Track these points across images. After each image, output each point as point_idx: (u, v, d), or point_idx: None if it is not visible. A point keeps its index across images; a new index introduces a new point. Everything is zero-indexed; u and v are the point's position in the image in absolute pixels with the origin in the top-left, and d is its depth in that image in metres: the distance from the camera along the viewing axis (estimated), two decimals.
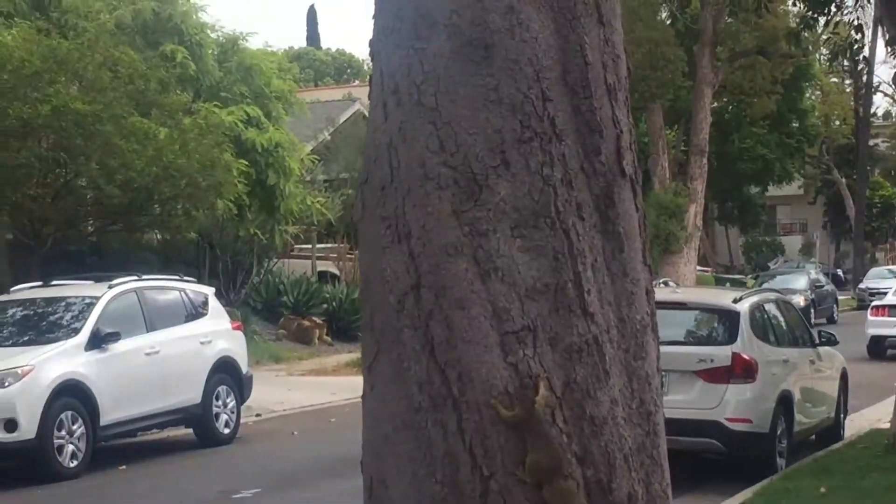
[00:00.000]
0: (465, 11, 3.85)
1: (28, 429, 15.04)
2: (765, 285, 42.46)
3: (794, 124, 63.35)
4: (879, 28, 32.28)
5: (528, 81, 3.84)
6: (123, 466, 16.55)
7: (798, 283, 44.79)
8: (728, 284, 47.60)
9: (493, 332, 3.76)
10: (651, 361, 4.08)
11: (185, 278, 20.26)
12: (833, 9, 17.37)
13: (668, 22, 51.97)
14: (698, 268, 51.41)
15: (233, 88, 31.54)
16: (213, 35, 32.17)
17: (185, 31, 29.96)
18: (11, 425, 15.00)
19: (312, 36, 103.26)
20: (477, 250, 3.78)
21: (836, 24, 18.45)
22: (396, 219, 3.89)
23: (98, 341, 16.34)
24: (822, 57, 54.77)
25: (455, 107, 3.83)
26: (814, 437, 16.77)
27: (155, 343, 17.39)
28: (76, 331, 16.40)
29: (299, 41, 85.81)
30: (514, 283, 3.78)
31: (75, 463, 15.67)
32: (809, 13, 16.65)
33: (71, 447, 15.61)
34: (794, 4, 22.37)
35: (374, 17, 4.11)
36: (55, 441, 15.36)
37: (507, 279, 3.77)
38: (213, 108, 28.05)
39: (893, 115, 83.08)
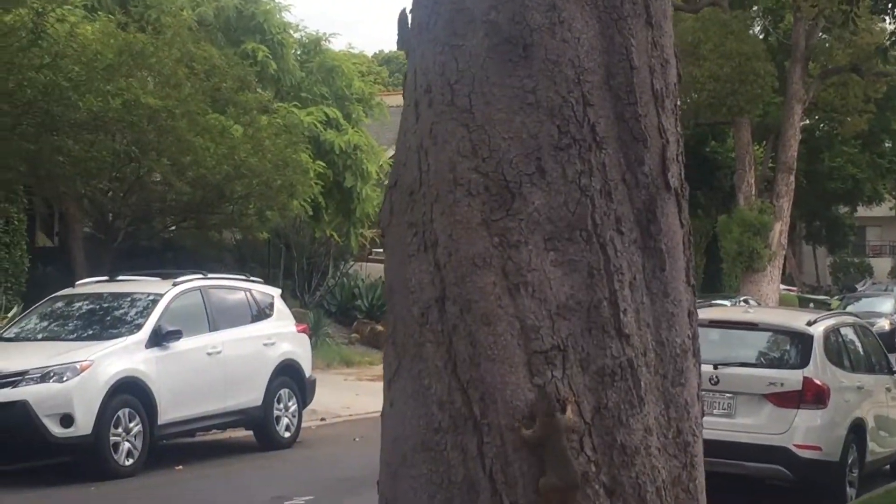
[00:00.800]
0: (504, 7, 3.69)
1: (84, 425, 14.94)
2: (849, 307, 41.99)
3: (886, 144, 62.64)
4: None
5: (569, 84, 3.67)
6: (180, 467, 16.45)
7: (884, 307, 44.27)
8: (812, 305, 47.14)
9: (520, 351, 3.60)
10: (691, 388, 3.89)
11: (252, 278, 20.14)
12: None
13: (761, 36, 51.61)
14: (783, 287, 50.90)
15: (313, 89, 31.66)
16: (295, 35, 32.36)
17: (267, 30, 30.15)
18: (68, 420, 14.89)
19: (403, 40, 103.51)
20: (506, 263, 3.62)
21: None
22: (423, 226, 3.75)
23: (159, 339, 16.24)
24: None
25: (490, 109, 3.67)
26: (888, 467, 16.35)
27: (217, 343, 17.27)
28: (138, 327, 16.30)
29: (390, 45, 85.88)
30: (544, 300, 3.61)
31: (131, 461, 15.56)
32: None
33: (127, 445, 15.51)
34: (883, 20, 22.01)
35: (411, 11, 3.95)
36: (111, 438, 15.26)
37: (538, 295, 3.61)
38: (292, 108, 28.19)
39: None
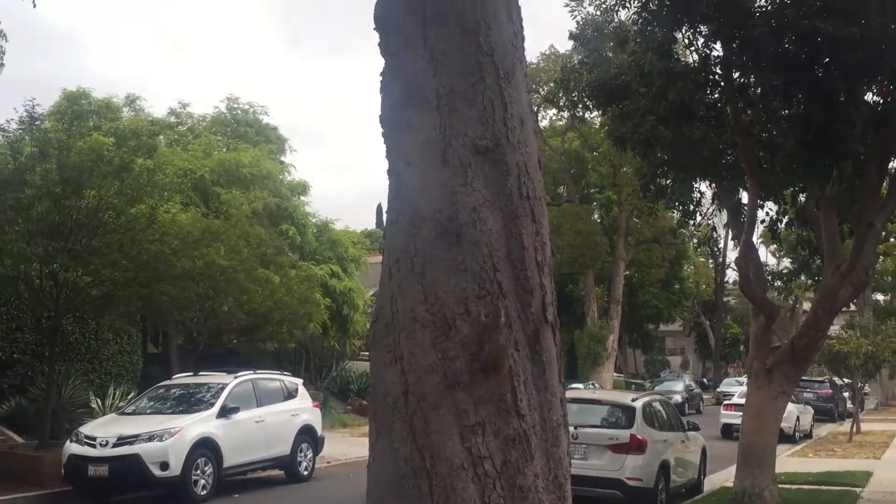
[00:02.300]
0: (444, 210, 3.68)
1: (175, 468, 14.65)
2: (657, 388, 42.01)
3: (676, 286, 63.41)
4: (729, 228, 32.35)
5: (484, 258, 3.64)
6: (237, 495, 16.00)
7: (678, 387, 44.28)
8: (633, 386, 47.10)
9: (456, 426, 3.51)
10: (563, 448, 3.80)
11: (285, 373, 19.94)
12: (698, 217, 17.41)
13: (599, 220, 52.45)
14: (615, 374, 50.92)
15: (324, 253, 31.68)
16: (312, 219, 32.43)
17: (295, 217, 30.21)
18: (165, 466, 14.60)
19: (379, 222, 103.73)
20: (447, 370, 3.54)
21: (699, 225, 18.60)
22: (394, 346, 3.67)
23: (225, 412, 15.98)
24: (693, 244, 54.92)
25: (436, 273, 3.63)
26: (684, 490, 16.15)
27: (262, 414, 16.98)
28: (211, 405, 16.04)
29: (371, 224, 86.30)
30: (471, 392, 3.53)
31: (205, 492, 15.18)
32: (682, 218, 16.68)
33: (203, 481, 15.16)
34: (672, 213, 22.40)
35: (386, 212, 3.94)
36: (193, 477, 14.95)
37: (467, 390, 3.53)
38: (311, 265, 28.16)
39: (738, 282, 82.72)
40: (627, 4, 12.46)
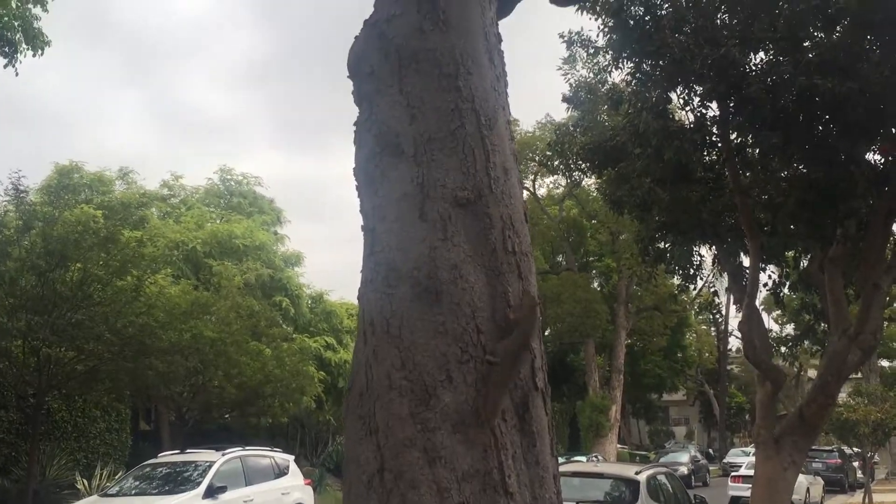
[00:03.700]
0: (422, 268, 3.40)
1: None
2: (661, 459, 41.21)
3: (678, 354, 62.84)
4: (731, 293, 32.05)
5: (467, 319, 3.36)
6: None
7: (683, 458, 43.46)
8: (638, 458, 46.30)
9: None
10: None
11: (276, 449, 19.35)
12: (698, 281, 17.15)
13: (598, 288, 52.16)
14: (618, 445, 50.04)
15: (318, 325, 31.36)
16: (307, 290, 32.18)
17: (288, 288, 29.97)
18: None
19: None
20: (426, 443, 3.23)
21: (700, 290, 18.33)
22: (369, 417, 3.37)
23: (212, 492, 15.39)
24: (694, 311, 54.61)
25: (413, 336, 3.34)
26: None
27: (251, 493, 16.37)
28: (198, 484, 15.45)
29: None
30: (454, 469, 3.21)
31: None
32: (682, 283, 16.42)
33: None
34: (672, 278, 22.17)
35: (361, 270, 3.65)
36: None
37: (448, 465, 3.21)
38: (304, 338, 27.79)
39: (742, 349, 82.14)
40: (621, 65, 12.36)
